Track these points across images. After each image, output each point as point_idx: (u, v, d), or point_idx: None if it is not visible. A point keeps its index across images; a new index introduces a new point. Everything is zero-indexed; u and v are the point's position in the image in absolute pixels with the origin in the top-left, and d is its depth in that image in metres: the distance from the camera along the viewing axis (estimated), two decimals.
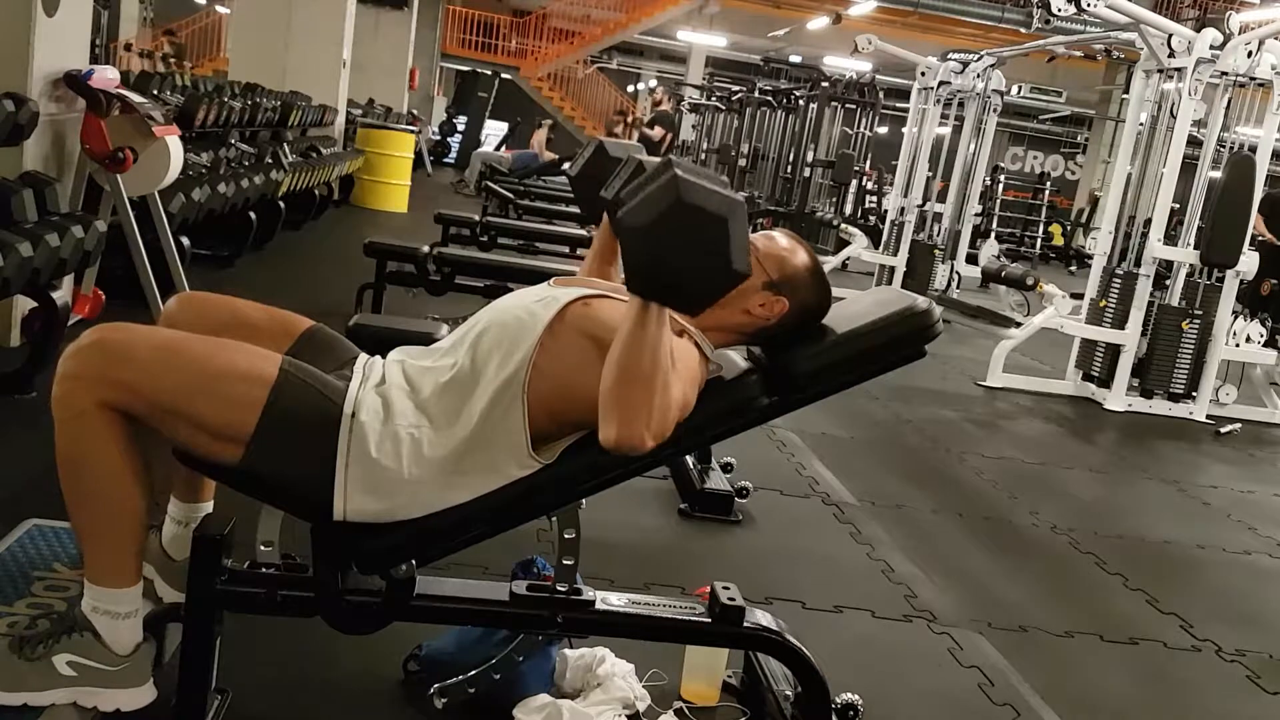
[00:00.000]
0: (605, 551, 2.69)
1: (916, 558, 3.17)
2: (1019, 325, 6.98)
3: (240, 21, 10.08)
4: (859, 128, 12.82)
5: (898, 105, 13.81)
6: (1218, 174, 5.94)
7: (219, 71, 14.75)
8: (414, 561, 1.70)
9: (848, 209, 13.28)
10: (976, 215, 10.22)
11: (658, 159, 1.51)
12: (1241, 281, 6.03)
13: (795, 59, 16.65)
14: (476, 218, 6.38)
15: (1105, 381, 6.08)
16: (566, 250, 6.06)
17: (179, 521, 1.92)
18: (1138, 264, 5.98)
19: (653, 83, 22.44)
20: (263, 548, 1.70)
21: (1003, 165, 17.39)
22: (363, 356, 1.81)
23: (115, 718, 1.64)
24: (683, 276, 1.40)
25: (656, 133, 12.56)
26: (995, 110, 9.18)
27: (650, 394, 1.48)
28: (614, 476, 1.72)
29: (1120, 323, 5.98)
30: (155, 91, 4.72)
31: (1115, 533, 3.79)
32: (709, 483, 3.27)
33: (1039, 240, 16.38)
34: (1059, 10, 5.67)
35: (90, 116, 3.77)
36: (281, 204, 6.59)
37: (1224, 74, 5.79)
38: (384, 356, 1.80)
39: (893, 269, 9.40)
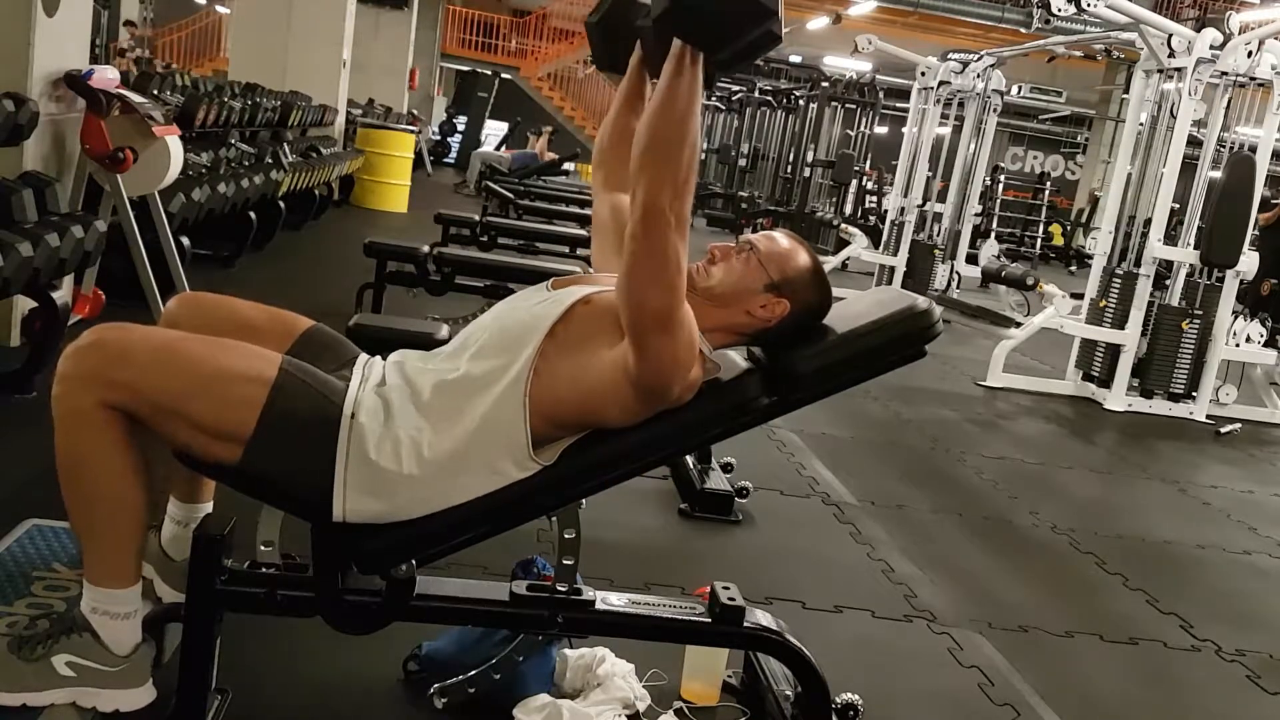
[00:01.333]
0: (605, 551, 2.69)
1: (916, 558, 3.17)
2: (1019, 325, 6.98)
3: (240, 21, 10.08)
4: (859, 128, 12.82)
5: (898, 105, 13.81)
6: (1218, 174, 5.95)
7: (219, 71, 14.76)
8: (414, 561, 1.70)
9: (848, 209, 13.28)
10: (976, 215, 10.23)
11: None
12: (1241, 281, 6.03)
13: (795, 59, 16.65)
14: (476, 218, 6.38)
15: (1105, 381, 6.09)
16: (566, 250, 6.06)
17: (178, 522, 1.92)
18: (1138, 264, 5.98)
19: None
20: (263, 548, 1.70)
21: (1003, 165, 17.40)
22: (363, 357, 1.81)
23: (115, 718, 1.64)
24: (716, 11, 1.42)
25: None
26: (995, 110, 9.19)
27: (680, 154, 1.48)
28: (614, 477, 1.72)
29: (1120, 323, 5.98)
30: (155, 91, 4.72)
31: (1115, 533, 3.79)
32: (709, 483, 3.27)
33: (1039, 240, 16.38)
34: (1059, 10, 5.68)
35: (90, 116, 3.77)
36: (281, 204, 6.59)
37: (1224, 74, 5.79)
38: (384, 357, 1.80)
39: (893, 269, 9.40)
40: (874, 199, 14.33)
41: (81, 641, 1.62)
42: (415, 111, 15.76)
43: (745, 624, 1.81)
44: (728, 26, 1.45)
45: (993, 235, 11.98)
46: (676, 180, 1.49)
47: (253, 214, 5.94)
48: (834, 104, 12.80)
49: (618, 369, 1.59)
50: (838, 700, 1.95)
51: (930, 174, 9.61)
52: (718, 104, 18.22)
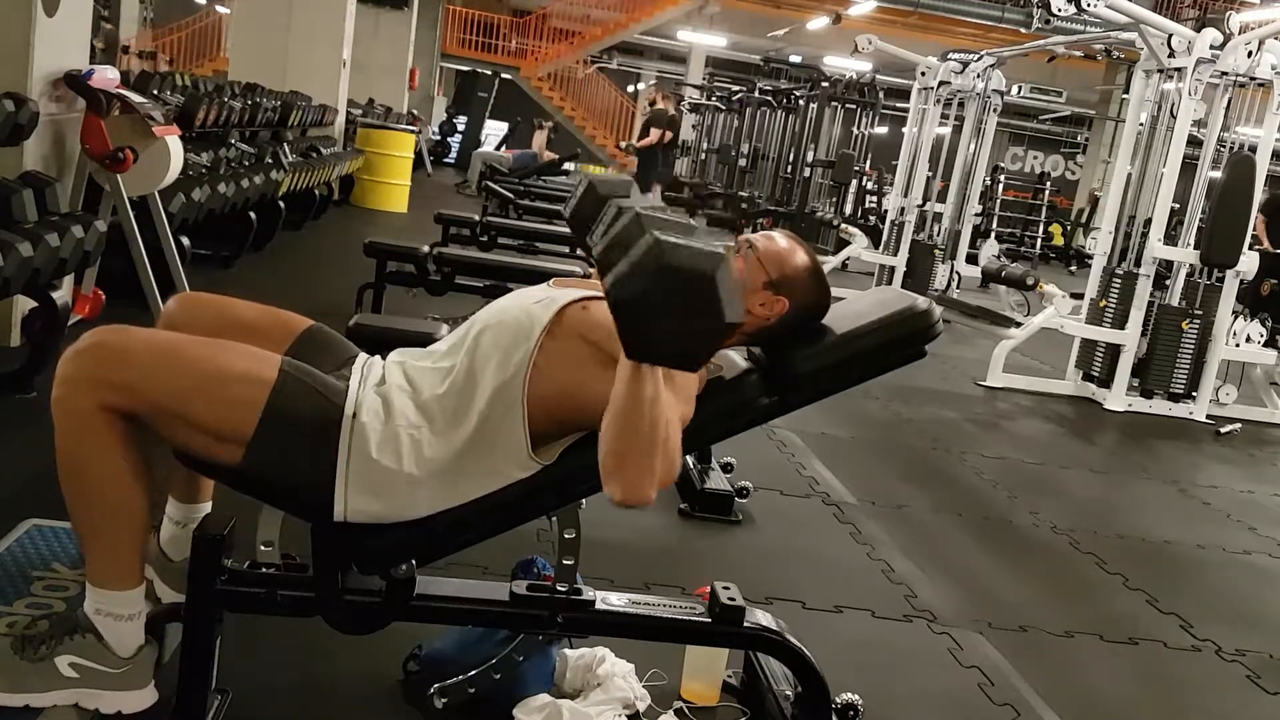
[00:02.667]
0: (605, 551, 2.69)
1: (916, 558, 3.17)
2: (1019, 325, 6.98)
3: (240, 21, 10.08)
4: (859, 128, 12.82)
5: (898, 105, 13.80)
6: (1218, 174, 5.94)
7: (219, 71, 14.76)
8: (414, 561, 1.70)
9: (848, 209, 13.28)
10: (976, 215, 10.22)
11: (632, 206, 1.47)
12: (1241, 281, 6.03)
13: (795, 59, 16.65)
14: (476, 218, 6.38)
15: (1105, 381, 6.08)
16: (566, 250, 6.06)
17: (177, 522, 1.93)
18: (1138, 264, 5.98)
19: (650, 81, 22.39)
20: (263, 548, 1.70)
21: (1003, 165, 17.39)
22: (362, 356, 1.81)
23: (116, 719, 1.64)
24: (678, 338, 1.37)
25: (652, 136, 12.48)
26: (995, 110, 9.18)
27: (653, 455, 1.45)
28: None
29: (1120, 323, 5.98)
30: (155, 91, 4.72)
31: (1115, 533, 3.79)
32: (709, 483, 3.27)
33: (1039, 240, 16.37)
34: (1059, 10, 5.67)
35: (90, 116, 3.77)
36: (281, 204, 6.58)
37: (1224, 74, 5.78)
38: (384, 357, 1.80)
39: (893, 269, 9.40)
40: (874, 199, 14.33)
41: (85, 643, 1.62)
42: (415, 111, 15.75)
43: (745, 624, 1.81)
44: (701, 351, 1.41)
45: (993, 235, 11.97)
46: (654, 470, 1.46)
47: (253, 214, 5.94)
48: (834, 104, 12.79)
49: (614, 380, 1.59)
50: (838, 700, 1.95)
51: (930, 174, 9.61)
52: (718, 104, 18.21)
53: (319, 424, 1.60)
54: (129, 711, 1.64)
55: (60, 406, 1.55)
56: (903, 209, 9.37)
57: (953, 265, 9.38)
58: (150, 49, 15.20)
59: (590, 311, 1.67)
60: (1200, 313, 5.96)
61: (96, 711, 1.63)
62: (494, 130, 19.25)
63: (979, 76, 9.03)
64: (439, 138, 19.36)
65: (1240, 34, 5.70)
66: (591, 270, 2.13)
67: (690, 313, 1.34)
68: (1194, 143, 6.09)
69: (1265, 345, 6.15)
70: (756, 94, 15.51)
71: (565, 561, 1.75)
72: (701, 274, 1.33)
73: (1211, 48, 5.70)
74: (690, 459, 3.30)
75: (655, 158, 13.01)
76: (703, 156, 18.44)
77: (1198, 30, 5.83)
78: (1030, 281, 7.43)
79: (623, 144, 16.28)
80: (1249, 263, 5.90)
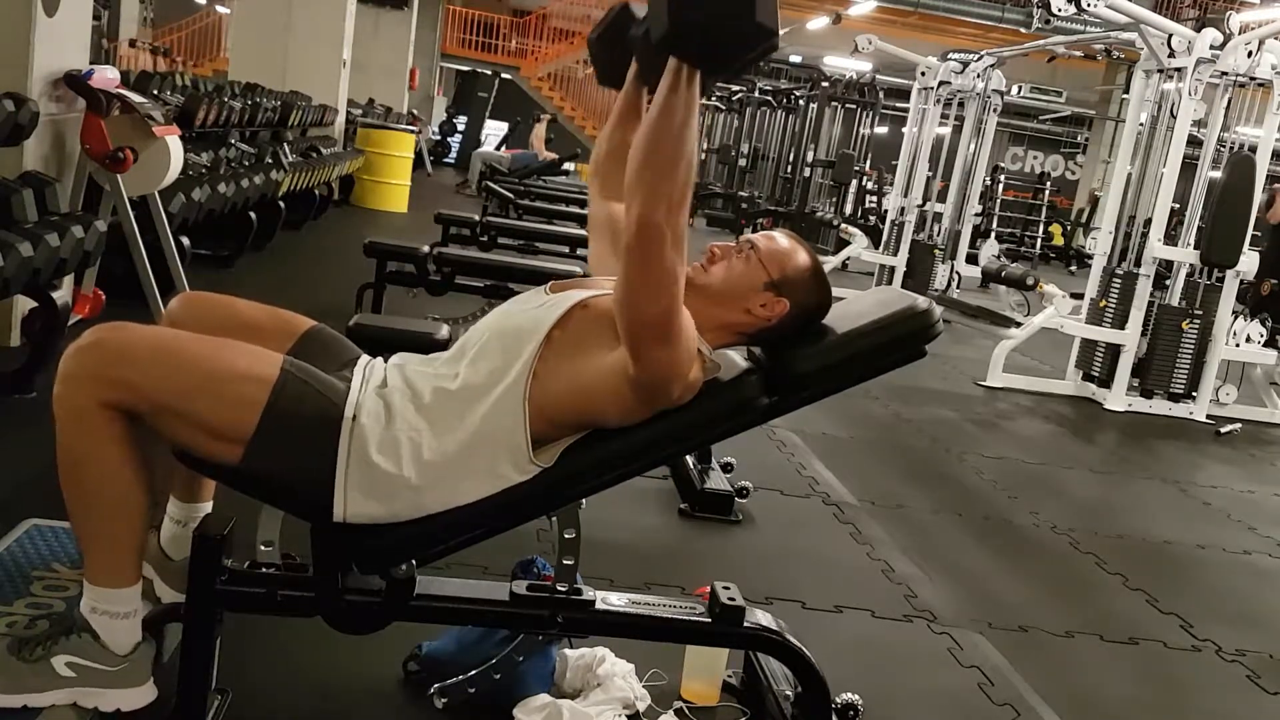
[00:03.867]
0: (605, 551, 2.69)
1: (916, 558, 3.17)
2: (1019, 325, 6.98)
3: (240, 21, 10.08)
4: (859, 128, 12.82)
5: (898, 105, 13.81)
6: (1218, 174, 5.95)
7: (219, 71, 14.76)
8: (414, 561, 1.70)
9: (848, 209, 13.28)
10: (976, 215, 10.22)
11: None
12: (1241, 281, 6.03)
13: (795, 59, 16.65)
14: (476, 218, 6.38)
15: (1105, 381, 6.09)
16: (566, 250, 6.06)
17: (178, 521, 1.92)
18: (1138, 264, 5.98)
19: None
20: (263, 548, 1.70)
21: (1003, 165, 17.40)
22: (364, 358, 1.81)
23: (115, 718, 1.64)
24: (709, 27, 1.41)
25: None
26: (995, 110, 9.19)
27: (675, 172, 1.47)
28: (614, 477, 1.72)
29: (1120, 323, 5.98)
30: (155, 91, 4.72)
31: (1115, 533, 3.79)
32: (709, 483, 3.27)
33: (1039, 240, 16.38)
34: (1059, 10, 5.68)
35: (90, 116, 3.77)
36: (281, 204, 6.58)
37: (1224, 74, 5.79)
38: (385, 358, 1.80)
39: (893, 269, 9.40)
40: (874, 199, 14.33)
41: (81, 642, 1.61)
42: (415, 111, 15.76)
43: (745, 624, 1.81)
44: (730, 48, 1.45)
45: (993, 235, 11.98)
46: (672, 196, 1.48)
47: (253, 214, 5.94)
48: (834, 104, 12.79)
49: (616, 372, 1.59)
50: (838, 700, 1.95)
51: (930, 174, 9.61)
52: (718, 104, 18.22)
53: (319, 425, 1.60)
54: (128, 709, 1.64)
55: (61, 403, 1.55)
56: (903, 209, 9.37)
57: (953, 265, 9.39)
58: (163, 45, 15.17)
59: (591, 309, 1.67)
60: (1200, 313, 5.96)
61: (95, 710, 1.63)
62: (494, 130, 19.25)
63: (979, 76, 9.04)
64: (439, 138, 19.37)
65: (1240, 34, 5.70)
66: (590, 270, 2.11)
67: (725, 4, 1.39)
68: (1194, 143, 6.09)
69: (1265, 345, 6.15)
70: (756, 94, 15.51)
71: (565, 561, 1.75)
72: None
73: (1211, 48, 5.70)
74: (690, 459, 3.30)
75: None
76: (703, 156, 18.45)
77: (1198, 30, 5.83)
78: (1030, 281, 7.43)
79: None
80: (1249, 263, 5.90)
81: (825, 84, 12.76)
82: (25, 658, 1.61)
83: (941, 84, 9.15)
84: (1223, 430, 5.79)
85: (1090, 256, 7.78)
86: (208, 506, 1.93)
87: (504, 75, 20.58)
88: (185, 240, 4.61)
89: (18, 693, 1.60)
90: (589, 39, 2.00)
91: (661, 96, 1.46)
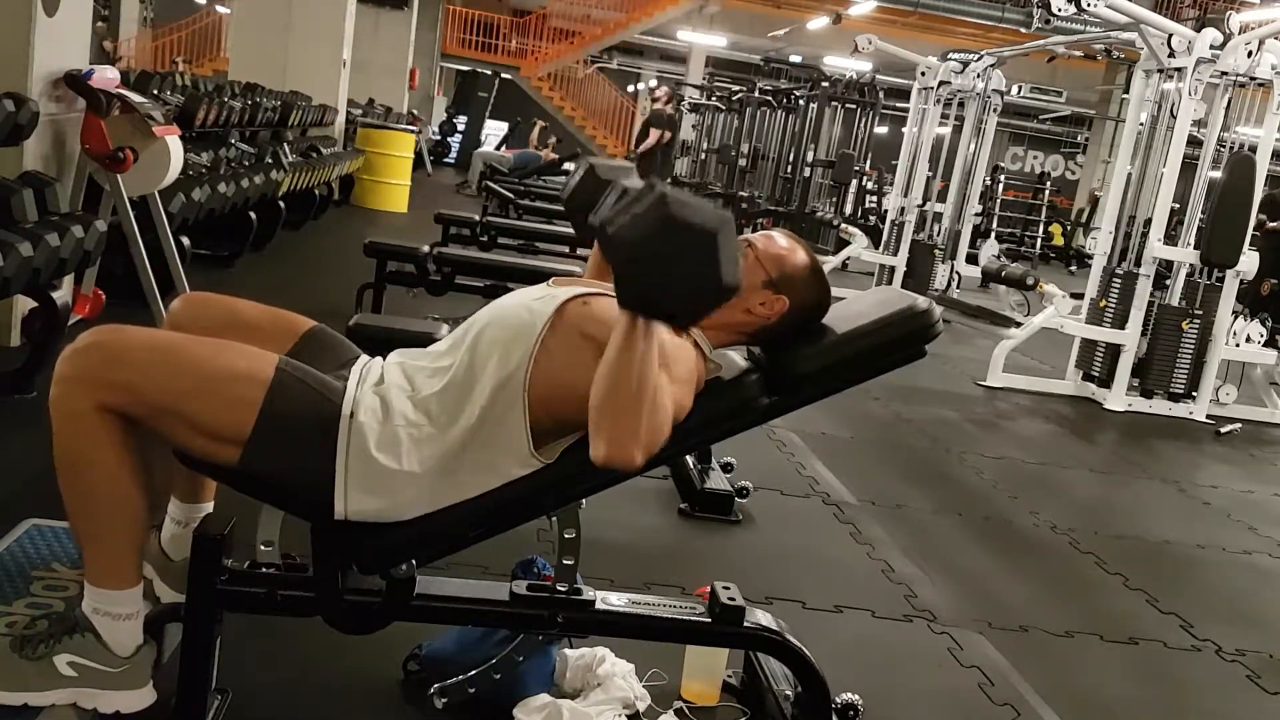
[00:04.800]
0: (605, 551, 2.69)
1: (916, 558, 3.17)
2: (1019, 325, 6.98)
3: (240, 21, 10.08)
4: (859, 128, 12.82)
5: (898, 105, 13.80)
6: (1218, 174, 5.94)
7: (219, 71, 14.76)
8: (414, 561, 1.70)
9: (848, 209, 13.28)
10: (976, 215, 10.22)
11: (640, 182, 1.49)
12: (1241, 281, 6.03)
13: (795, 59, 16.65)
14: (476, 218, 6.38)
15: (1105, 381, 6.08)
16: (566, 250, 6.06)
17: (178, 522, 1.92)
18: (1138, 264, 5.98)
19: (653, 81, 22.37)
20: (263, 548, 1.70)
21: (1003, 165, 17.40)
22: (363, 358, 1.81)
23: (115, 719, 1.64)
24: (672, 291, 1.39)
25: (651, 137, 12.44)
26: (995, 110, 9.18)
27: (638, 413, 1.46)
28: (614, 476, 1.72)
29: (1120, 323, 5.98)
30: (155, 91, 4.72)
31: (1115, 533, 3.79)
32: (709, 483, 3.27)
33: (1039, 240, 16.38)
34: (1059, 10, 5.67)
35: (90, 116, 3.77)
36: (281, 204, 6.58)
37: (1224, 74, 5.79)
38: (384, 357, 1.80)
39: (893, 269, 9.40)
40: (874, 199, 14.33)
41: (84, 642, 1.61)
42: (415, 111, 15.76)
43: (745, 624, 1.81)
44: (690, 309, 1.43)
45: (993, 235, 11.97)
46: (639, 432, 1.47)
47: (253, 214, 5.94)
48: (834, 104, 12.79)
49: None
50: (838, 700, 1.95)
51: (930, 174, 9.61)
52: (718, 104, 18.21)
53: (317, 423, 1.60)
54: (127, 711, 1.64)
55: (58, 406, 1.55)
56: (903, 209, 9.37)
57: (953, 265, 9.39)
58: (185, 58, 15.15)
59: (591, 306, 1.67)
60: (1200, 313, 5.96)
61: (95, 711, 1.63)
62: (494, 130, 19.25)
63: (979, 76, 9.04)
64: (439, 138, 19.37)
65: (1240, 34, 5.70)
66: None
67: (688, 265, 1.37)
68: (1194, 143, 6.09)
69: (1265, 345, 6.15)
70: (756, 94, 15.50)
71: (565, 561, 1.75)
72: (704, 229, 1.36)
73: (1211, 48, 5.70)
74: (690, 459, 3.30)
75: (655, 158, 13.02)
76: (703, 156, 18.43)
77: (1198, 30, 5.83)
78: (1030, 281, 7.43)
79: (629, 156, 16.29)
80: (1249, 263, 5.90)
81: (825, 84, 12.75)
82: (28, 656, 1.62)
83: (941, 84, 9.15)
84: (1223, 430, 5.79)
85: (1090, 256, 7.79)
86: (208, 507, 1.93)
87: (504, 75, 20.59)
88: (185, 240, 4.61)
89: (19, 690, 1.60)
90: (562, 201, 2.02)
91: (620, 340, 1.45)
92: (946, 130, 9.83)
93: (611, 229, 1.39)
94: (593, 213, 1.51)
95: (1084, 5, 5.57)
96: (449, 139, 19.57)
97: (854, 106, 12.80)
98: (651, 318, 1.44)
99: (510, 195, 8.17)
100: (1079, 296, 6.47)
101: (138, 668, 1.64)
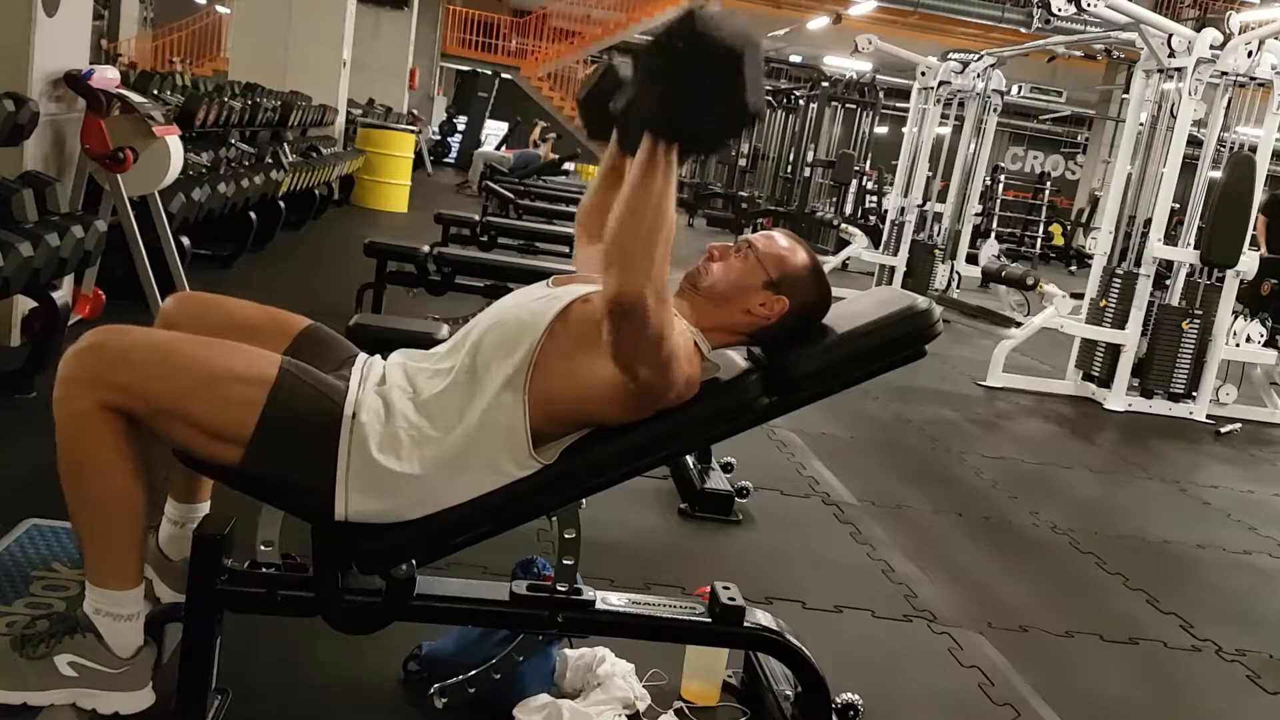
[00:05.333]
0: (605, 551, 2.69)
1: (916, 558, 3.17)
2: (1019, 325, 6.98)
3: (240, 21, 10.08)
4: (859, 128, 12.82)
5: (898, 105, 13.81)
6: (1218, 174, 5.94)
7: (219, 71, 14.76)
8: (414, 561, 1.70)
9: (848, 209, 13.28)
10: (976, 215, 10.23)
11: None
12: (1241, 281, 6.03)
13: (795, 59, 16.65)
14: (476, 218, 6.38)
15: (1105, 381, 6.08)
16: (566, 250, 6.05)
17: (176, 521, 1.92)
18: (1138, 264, 5.98)
19: None
20: (263, 548, 1.70)
21: (1003, 165, 17.39)
22: (362, 356, 1.81)
23: None
24: (697, 108, 1.39)
25: None
26: (995, 110, 9.19)
27: (652, 248, 1.46)
28: (614, 476, 1.72)
29: (1120, 323, 5.98)
30: (155, 91, 4.72)
31: (1115, 533, 3.79)
32: (709, 483, 3.27)
33: (1039, 240, 16.38)
34: (1059, 10, 5.68)
35: (90, 116, 3.77)
36: (281, 204, 6.58)
37: (1224, 74, 5.79)
38: (384, 357, 1.80)
39: (893, 269, 9.40)
40: (874, 199, 14.33)
41: (85, 642, 1.61)
42: (415, 111, 15.76)
43: (745, 624, 1.81)
44: (717, 131, 1.43)
45: (993, 235, 11.97)
46: (651, 271, 1.47)
47: (253, 214, 5.94)
48: (834, 104, 12.79)
49: (614, 371, 1.59)
50: (838, 700, 1.95)
51: (930, 174, 9.61)
52: None
53: (319, 424, 1.60)
54: (126, 712, 1.64)
55: (61, 407, 1.55)
56: (903, 209, 9.37)
57: (953, 265, 9.39)
58: (138, 65, 15.15)
59: (592, 304, 1.67)
60: (1200, 313, 5.96)
61: (93, 712, 1.63)
62: (494, 130, 19.25)
63: (979, 76, 9.04)
64: (439, 138, 19.38)
65: (1240, 34, 5.70)
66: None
67: (713, 84, 1.37)
68: (1194, 143, 6.09)
69: (1265, 345, 6.15)
70: None
71: (565, 561, 1.75)
72: (731, 49, 1.37)
73: (1211, 48, 5.70)
74: (690, 459, 3.30)
75: None
76: (703, 156, 18.45)
77: (1198, 30, 5.83)
78: (1030, 281, 7.44)
79: None
80: (1249, 263, 5.90)
81: (825, 84, 12.77)
82: (28, 655, 1.61)
83: (941, 84, 9.15)
84: (1223, 430, 5.79)
85: (1090, 256, 7.79)
86: (205, 507, 1.93)
87: (504, 75, 20.57)
88: (185, 240, 4.61)
89: (19, 690, 1.60)
90: (578, 99, 2.01)
91: (639, 172, 1.45)
92: (946, 130, 9.83)
93: (640, 52, 1.40)
94: (615, 98, 1.52)
95: (1084, 5, 5.57)
96: (449, 139, 19.57)
97: (854, 106, 12.81)
98: (673, 139, 1.43)
99: (510, 195, 8.16)
100: (1079, 296, 6.47)
101: (138, 669, 1.64)
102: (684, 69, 1.37)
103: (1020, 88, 16.81)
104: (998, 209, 15.02)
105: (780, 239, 1.82)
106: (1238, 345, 6.07)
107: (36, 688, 1.61)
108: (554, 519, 1.74)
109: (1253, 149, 5.98)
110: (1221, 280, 5.96)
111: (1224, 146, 6.05)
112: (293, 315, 1.88)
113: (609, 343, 1.54)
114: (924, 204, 9.49)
